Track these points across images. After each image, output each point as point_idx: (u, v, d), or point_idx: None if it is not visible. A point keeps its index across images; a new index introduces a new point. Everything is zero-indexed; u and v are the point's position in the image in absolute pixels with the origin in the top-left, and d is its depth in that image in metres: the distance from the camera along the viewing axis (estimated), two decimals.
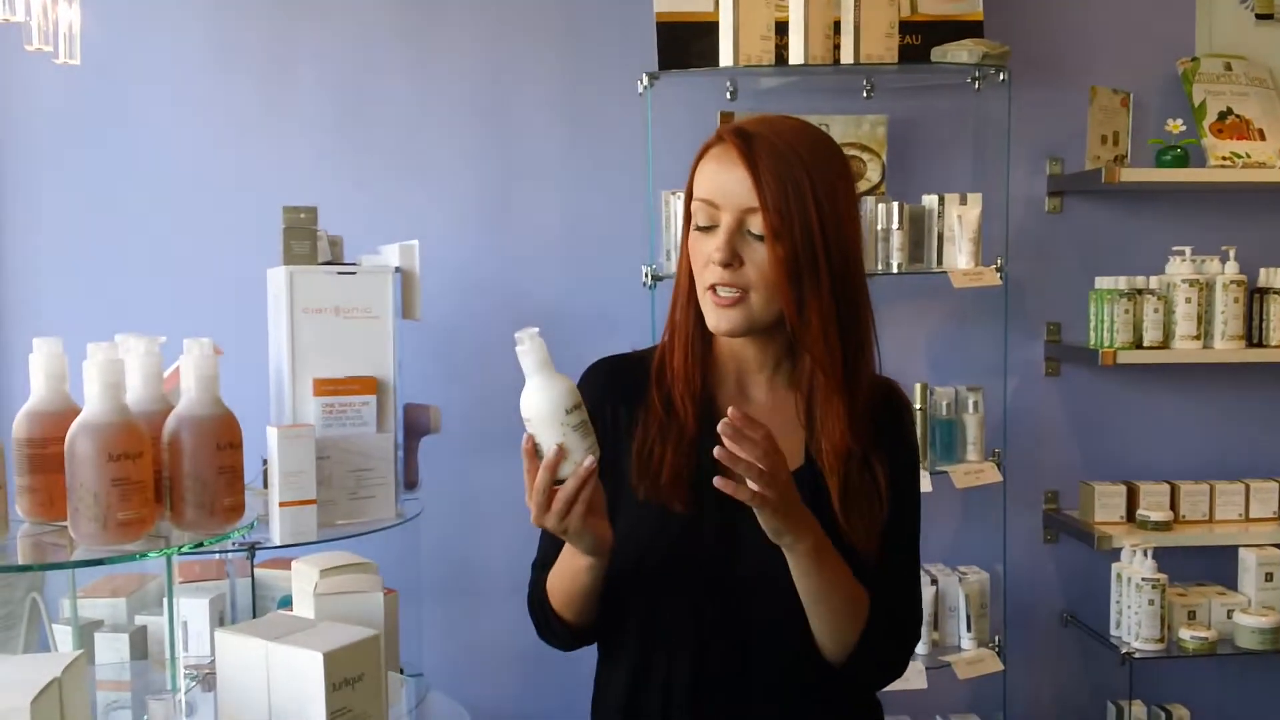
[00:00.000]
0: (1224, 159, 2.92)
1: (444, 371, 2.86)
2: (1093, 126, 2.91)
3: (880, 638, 1.46)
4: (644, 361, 1.54)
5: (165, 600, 1.92)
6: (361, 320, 2.17)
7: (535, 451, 1.30)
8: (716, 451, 1.24)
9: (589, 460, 1.29)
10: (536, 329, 1.29)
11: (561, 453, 1.28)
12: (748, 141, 1.38)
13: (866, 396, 1.46)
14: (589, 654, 1.59)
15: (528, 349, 1.28)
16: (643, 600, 1.47)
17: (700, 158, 1.44)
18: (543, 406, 1.28)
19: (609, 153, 2.96)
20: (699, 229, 1.42)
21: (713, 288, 1.40)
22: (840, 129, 2.91)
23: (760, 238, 1.37)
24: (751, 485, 1.25)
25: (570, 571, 1.43)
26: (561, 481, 1.29)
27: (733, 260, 1.38)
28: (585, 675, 1.61)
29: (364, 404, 2.16)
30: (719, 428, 1.25)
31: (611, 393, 1.52)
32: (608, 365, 1.58)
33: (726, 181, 1.38)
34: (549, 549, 1.50)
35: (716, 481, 1.24)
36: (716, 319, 1.42)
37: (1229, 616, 2.83)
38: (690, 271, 1.45)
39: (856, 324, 1.43)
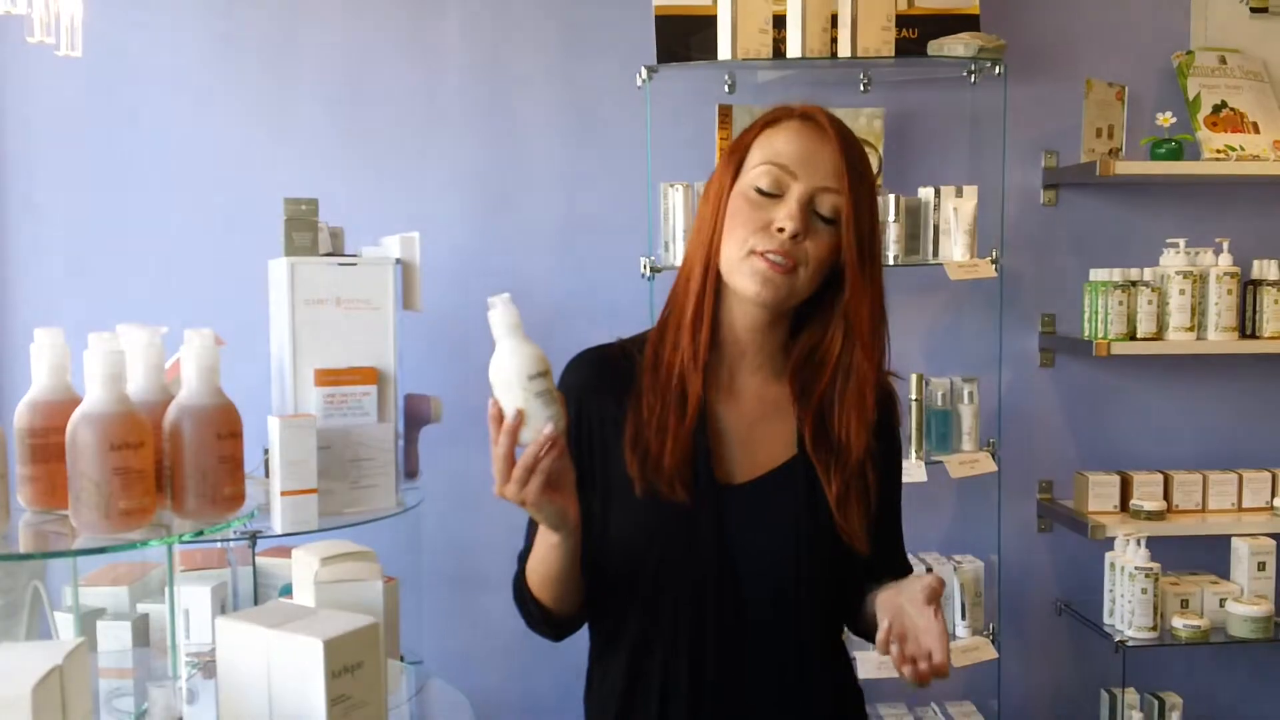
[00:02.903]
0: (1218, 152, 2.93)
1: (444, 362, 2.86)
2: (1088, 120, 2.92)
3: None
4: (628, 351, 1.52)
5: (167, 588, 1.94)
6: (362, 311, 2.18)
7: (501, 417, 1.29)
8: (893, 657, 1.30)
9: (549, 427, 1.27)
10: (508, 294, 1.29)
11: (521, 418, 1.27)
12: (837, 127, 1.40)
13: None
14: (588, 642, 1.60)
15: (499, 313, 1.28)
16: (639, 591, 1.46)
17: (770, 124, 1.43)
18: (507, 369, 1.27)
19: (608, 145, 2.97)
20: (761, 193, 1.40)
21: (764, 254, 1.38)
22: None
23: (825, 219, 1.38)
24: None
25: (542, 551, 1.42)
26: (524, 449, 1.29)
27: (803, 233, 1.38)
28: (584, 663, 1.62)
29: (365, 394, 2.17)
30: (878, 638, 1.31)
31: (598, 386, 1.50)
32: (592, 357, 1.54)
33: (811, 155, 1.39)
34: (532, 538, 1.48)
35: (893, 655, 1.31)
36: (760, 284, 1.39)
37: (1221, 605, 2.85)
38: (717, 235, 1.42)
39: (885, 320, 1.46)
